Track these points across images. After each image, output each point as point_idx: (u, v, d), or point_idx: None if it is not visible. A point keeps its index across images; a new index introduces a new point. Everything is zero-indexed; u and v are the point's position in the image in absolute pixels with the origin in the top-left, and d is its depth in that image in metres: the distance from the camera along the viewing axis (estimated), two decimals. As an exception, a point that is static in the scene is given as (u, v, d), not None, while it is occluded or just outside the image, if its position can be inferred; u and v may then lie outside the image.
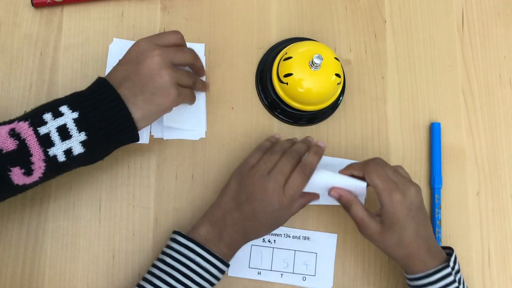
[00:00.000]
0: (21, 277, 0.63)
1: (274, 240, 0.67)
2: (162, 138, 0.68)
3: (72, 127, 0.54)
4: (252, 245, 0.67)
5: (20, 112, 0.66)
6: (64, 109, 0.55)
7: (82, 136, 0.55)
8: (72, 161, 0.56)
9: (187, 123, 0.68)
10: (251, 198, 0.58)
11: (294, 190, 0.59)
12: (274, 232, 0.68)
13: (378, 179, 0.59)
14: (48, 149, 0.54)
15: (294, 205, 0.60)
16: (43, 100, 0.66)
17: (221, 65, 0.72)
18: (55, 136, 0.54)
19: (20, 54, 0.69)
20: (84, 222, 0.65)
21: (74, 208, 0.65)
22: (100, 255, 0.65)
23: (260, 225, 0.59)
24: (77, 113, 0.55)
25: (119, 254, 0.65)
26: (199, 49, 0.71)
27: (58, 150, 0.54)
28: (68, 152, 0.55)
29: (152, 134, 0.68)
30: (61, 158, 0.55)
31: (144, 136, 0.67)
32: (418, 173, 0.72)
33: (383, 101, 0.74)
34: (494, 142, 0.74)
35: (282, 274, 0.67)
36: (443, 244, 0.69)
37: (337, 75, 0.65)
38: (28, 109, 0.66)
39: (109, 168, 0.67)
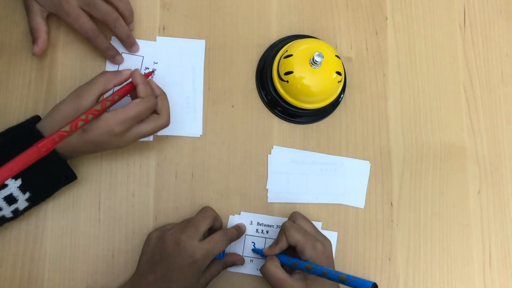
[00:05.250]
0: (21, 277, 0.63)
1: (267, 231, 0.68)
2: (162, 136, 0.68)
3: (17, 194, 0.57)
4: (246, 235, 0.67)
5: (19, 110, 0.66)
6: None
7: (27, 195, 0.58)
8: (20, 214, 0.60)
9: (183, 123, 0.68)
10: (164, 254, 0.58)
11: (211, 245, 0.58)
12: (268, 223, 0.67)
13: (298, 234, 0.60)
14: None
15: (211, 265, 0.61)
16: (42, 98, 0.67)
17: (221, 62, 0.71)
18: (2, 204, 0.57)
19: (19, 51, 0.68)
20: (83, 221, 0.65)
21: (74, 207, 0.65)
22: (99, 254, 0.64)
23: (175, 283, 0.57)
24: (20, 180, 0.57)
25: (119, 253, 0.65)
26: (199, 45, 0.71)
27: (6, 212, 0.58)
28: (15, 210, 0.58)
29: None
30: (9, 215, 0.59)
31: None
32: (419, 171, 0.72)
33: (384, 99, 0.73)
34: (495, 140, 0.74)
35: None
36: (445, 243, 0.69)
37: (338, 73, 0.65)
38: (27, 107, 0.66)
39: (108, 167, 0.66)
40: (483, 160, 0.73)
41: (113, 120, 0.57)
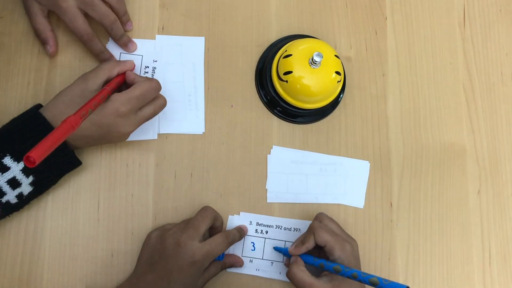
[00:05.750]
0: (20, 277, 0.63)
1: (267, 231, 0.68)
2: (161, 136, 0.68)
3: (21, 177, 0.57)
4: (246, 235, 0.67)
5: (18, 110, 0.66)
6: (8, 161, 0.56)
7: (30, 179, 0.58)
8: (25, 201, 0.60)
9: (186, 121, 0.68)
10: (164, 255, 0.58)
11: (211, 246, 0.58)
12: (267, 223, 0.67)
13: (327, 234, 0.59)
14: (1, 198, 0.57)
15: (210, 266, 0.61)
16: (41, 98, 0.67)
17: (220, 62, 0.71)
18: (6, 188, 0.57)
19: (18, 51, 0.68)
20: (82, 221, 0.65)
21: (73, 207, 0.65)
22: (99, 255, 0.64)
23: (175, 283, 0.57)
24: (23, 163, 0.57)
25: (118, 253, 0.65)
26: (198, 42, 0.71)
27: (10, 196, 0.57)
28: (19, 195, 0.58)
29: (159, 131, 0.68)
30: (14, 201, 0.58)
31: (150, 133, 0.67)
32: (419, 171, 0.71)
33: (384, 99, 0.73)
34: (495, 140, 0.74)
35: (272, 263, 0.67)
36: (445, 243, 0.69)
37: (337, 73, 0.65)
38: (27, 108, 0.66)
39: (107, 167, 0.66)
40: (483, 160, 0.73)
41: (119, 100, 0.59)
